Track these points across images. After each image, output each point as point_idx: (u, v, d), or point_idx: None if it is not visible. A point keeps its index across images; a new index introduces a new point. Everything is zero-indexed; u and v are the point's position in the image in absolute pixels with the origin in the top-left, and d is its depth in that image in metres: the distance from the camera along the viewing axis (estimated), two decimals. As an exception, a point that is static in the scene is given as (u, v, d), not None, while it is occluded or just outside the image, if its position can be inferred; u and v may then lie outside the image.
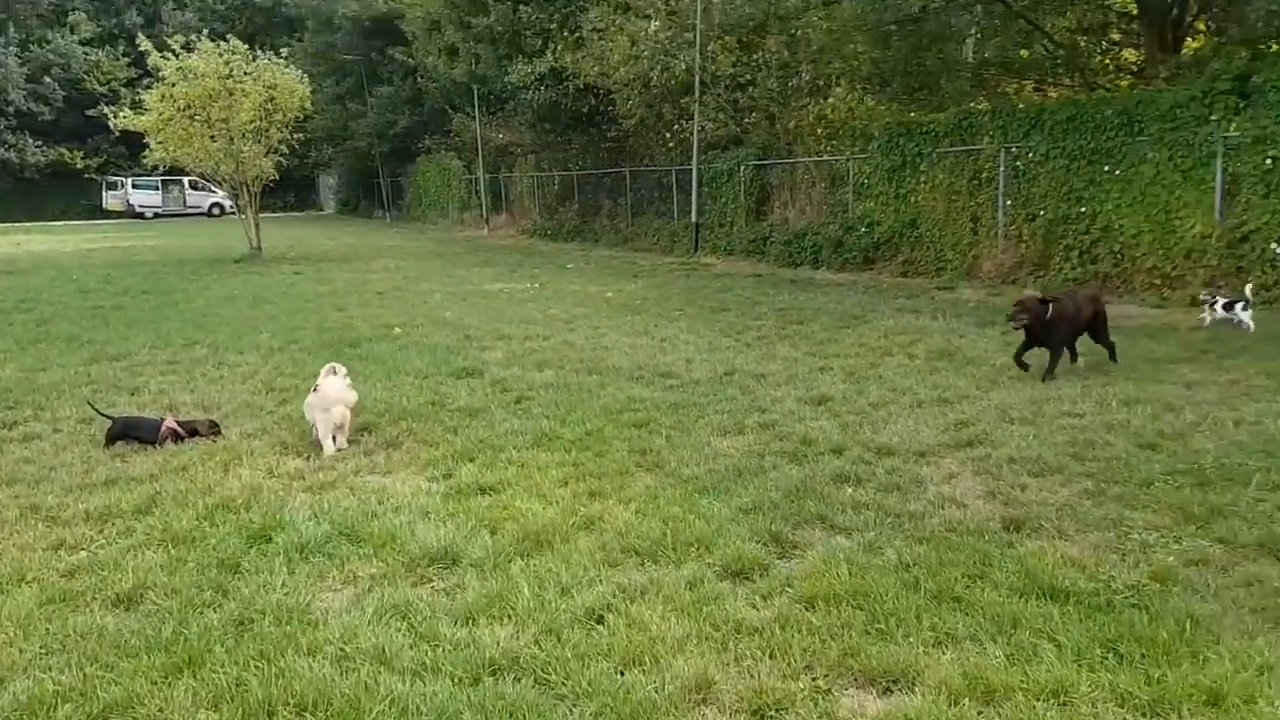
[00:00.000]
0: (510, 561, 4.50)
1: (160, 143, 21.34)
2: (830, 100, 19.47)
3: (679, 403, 7.55)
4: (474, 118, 34.09)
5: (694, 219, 22.64)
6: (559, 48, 24.35)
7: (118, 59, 58.34)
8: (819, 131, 19.88)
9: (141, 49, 21.87)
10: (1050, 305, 7.98)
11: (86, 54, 57.69)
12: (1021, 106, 15.50)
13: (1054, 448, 5.97)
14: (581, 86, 23.75)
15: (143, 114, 21.54)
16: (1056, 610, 3.70)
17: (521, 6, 26.05)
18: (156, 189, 54.78)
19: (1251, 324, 9.87)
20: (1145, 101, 12.98)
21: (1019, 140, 14.88)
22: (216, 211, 54.60)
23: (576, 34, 24.28)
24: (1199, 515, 4.63)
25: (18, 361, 10.06)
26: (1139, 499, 4.98)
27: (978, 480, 5.47)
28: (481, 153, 34.82)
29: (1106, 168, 13.48)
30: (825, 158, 19.22)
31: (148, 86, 22.57)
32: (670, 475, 5.70)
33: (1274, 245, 11.27)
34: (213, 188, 48.03)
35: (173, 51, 21.15)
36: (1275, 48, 12.32)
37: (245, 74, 21.35)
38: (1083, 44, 18.12)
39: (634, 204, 27.50)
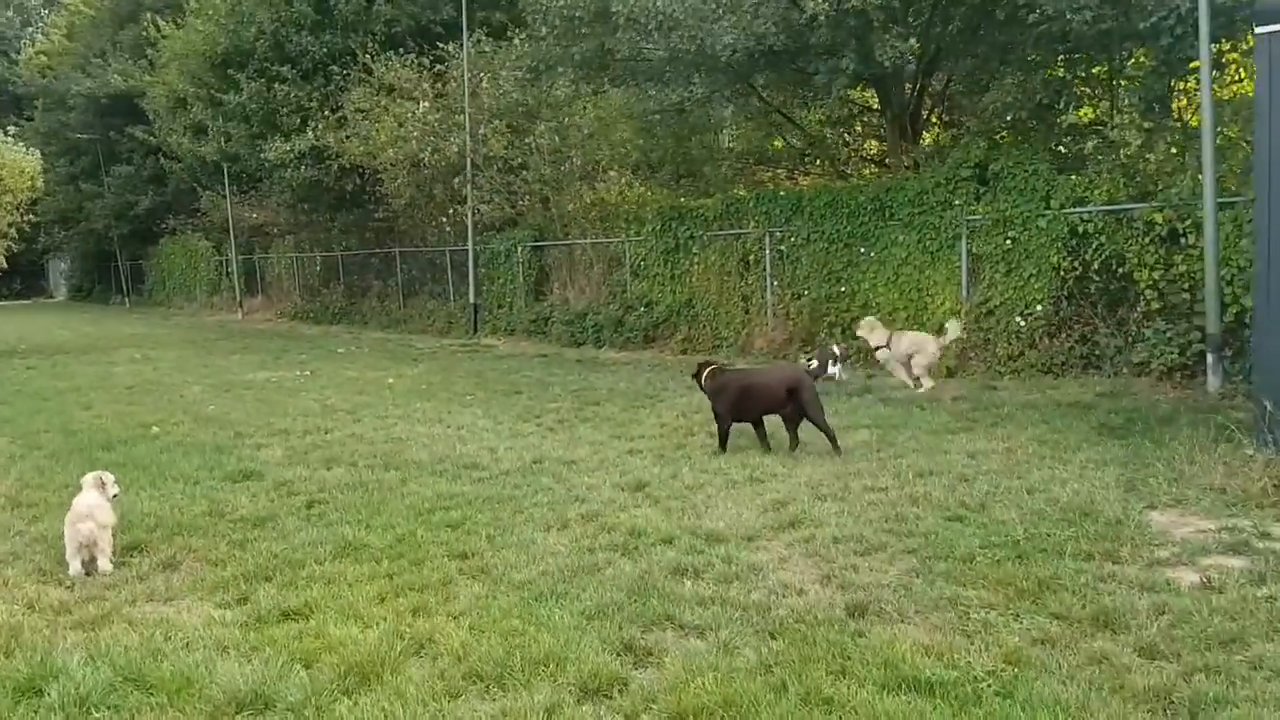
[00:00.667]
0: (335, 702, 3.98)
1: None
2: (604, 184, 19.86)
3: (492, 497, 7.17)
4: (225, 197, 32.27)
5: (472, 300, 22.30)
6: (320, 127, 23.54)
7: None
8: (593, 214, 20.24)
9: None
10: (703, 372, 8.76)
11: None
12: (783, 193, 16.41)
13: (870, 524, 6.10)
14: (346, 166, 22.99)
15: None
16: (928, 705, 3.66)
17: (276, 85, 25.01)
18: None
19: (841, 376, 11.94)
20: (895, 188, 14.07)
21: (781, 225, 15.70)
22: None
23: (339, 113, 23.59)
24: (1029, 590, 4.79)
25: None
26: (966, 575, 5.12)
27: (810, 563, 5.47)
28: (234, 233, 32.94)
29: (863, 250, 14.44)
30: (602, 240, 19.51)
31: None
32: (500, 581, 5.33)
33: (1017, 318, 12.38)
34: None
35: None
36: (1008, 138, 13.73)
37: (-34, 153, 19.16)
38: (829, 135, 19.47)
39: (405, 285, 26.79)
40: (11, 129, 22.12)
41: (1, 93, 55.84)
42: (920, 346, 11.63)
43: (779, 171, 20.36)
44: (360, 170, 23.25)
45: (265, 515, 6.90)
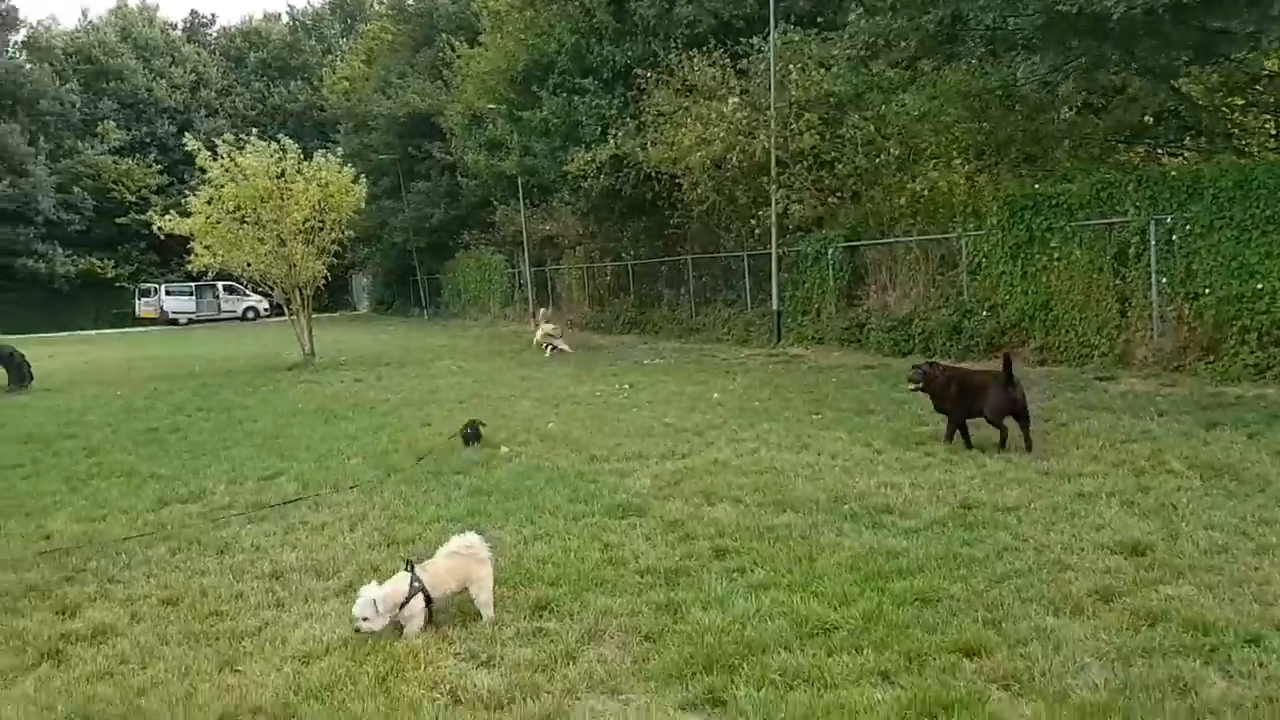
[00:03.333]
0: None
1: (207, 247, 20.04)
2: (934, 174, 17.98)
3: (944, 556, 5.72)
4: (518, 210, 33.00)
5: (775, 306, 21.06)
6: (620, 134, 23.17)
7: (149, 166, 58.35)
8: (916, 208, 18.39)
9: (188, 147, 20.72)
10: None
11: (116, 162, 57.58)
12: (1174, 173, 13.89)
13: None
14: (649, 173, 22.43)
15: (187, 217, 20.35)
16: None
17: (576, 97, 24.97)
18: (190, 294, 54.20)
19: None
20: (1342, 161, 11.37)
21: (1173, 211, 13.24)
22: (251, 316, 53.99)
23: (639, 119, 23.13)
24: None
25: (70, 508, 8.31)
26: None
27: None
28: (527, 245, 33.65)
29: (1293, 239, 11.80)
30: (931, 236, 17.64)
31: (180, 193, 21.57)
32: (1054, 700, 3.86)
33: None
34: (247, 291, 47.26)
35: (222, 152, 19.99)
36: None
37: (298, 174, 20.14)
38: (1213, 107, 16.44)
39: (697, 292, 26.03)
40: (339, 150, 23.23)
41: (307, 118, 61.19)
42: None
43: (1138, 150, 17.62)
44: (658, 176, 22.66)
45: (673, 568, 5.83)
